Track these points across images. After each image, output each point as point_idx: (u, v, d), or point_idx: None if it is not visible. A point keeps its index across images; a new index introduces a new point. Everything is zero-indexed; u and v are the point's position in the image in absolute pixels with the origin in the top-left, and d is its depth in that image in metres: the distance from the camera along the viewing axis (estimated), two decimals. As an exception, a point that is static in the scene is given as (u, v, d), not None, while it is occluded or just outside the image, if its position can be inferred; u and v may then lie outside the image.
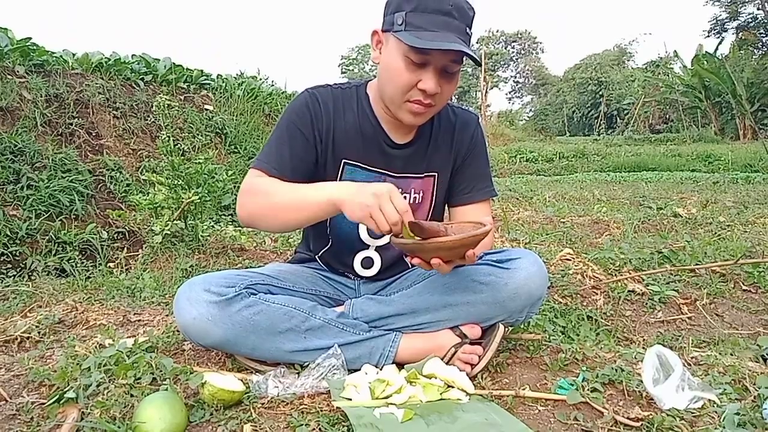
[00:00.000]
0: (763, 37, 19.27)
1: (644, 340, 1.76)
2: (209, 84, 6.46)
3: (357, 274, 1.45)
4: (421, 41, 1.15)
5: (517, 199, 5.29)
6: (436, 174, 1.42)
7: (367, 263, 1.44)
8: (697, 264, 2.18)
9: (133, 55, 5.79)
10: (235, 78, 7.39)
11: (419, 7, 1.18)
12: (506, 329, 1.36)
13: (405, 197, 1.39)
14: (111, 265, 2.80)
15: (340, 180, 1.37)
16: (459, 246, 1.08)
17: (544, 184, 7.05)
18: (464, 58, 1.23)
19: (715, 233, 3.08)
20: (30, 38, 4.36)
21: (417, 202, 1.42)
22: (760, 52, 19.26)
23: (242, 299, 1.22)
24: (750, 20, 19.41)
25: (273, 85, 8.69)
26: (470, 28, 1.24)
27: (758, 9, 18.39)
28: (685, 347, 1.57)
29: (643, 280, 2.08)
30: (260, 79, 8.24)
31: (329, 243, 1.45)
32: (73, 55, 4.71)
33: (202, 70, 6.56)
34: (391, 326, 1.33)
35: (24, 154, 3.35)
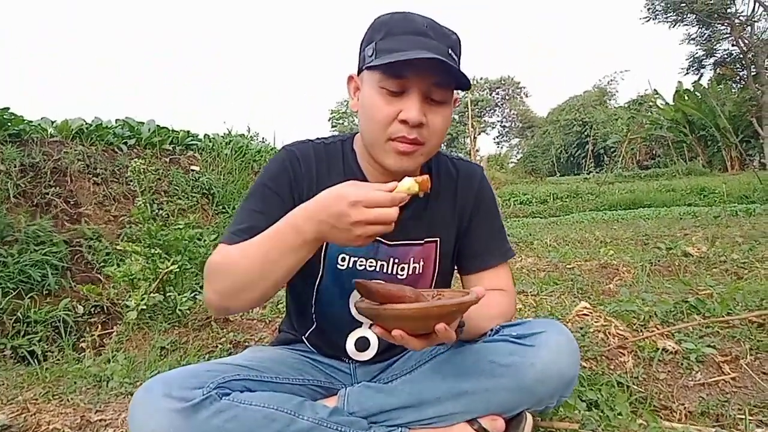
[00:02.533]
0: (740, 71, 19.73)
1: (685, 407, 1.53)
2: (196, 144, 6.36)
3: (351, 357, 1.23)
4: (390, 56, 1.00)
5: (518, 244, 5.10)
6: (438, 239, 1.22)
7: (362, 344, 1.22)
8: (729, 313, 1.97)
9: (117, 120, 5.70)
10: (222, 137, 7.31)
11: (390, 32, 1.05)
12: (535, 419, 1.13)
13: (403, 268, 1.19)
14: (83, 345, 2.55)
15: (324, 255, 1.16)
16: (423, 317, 0.88)
17: (542, 227, 6.88)
18: (451, 85, 1.07)
19: (735, 273, 2.88)
20: (7, 108, 4.24)
21: (417, 272, 1.21)
22: (739, 85, 19.68)
23: (212, 403, 0.98)
24: (726, 56, 19.93)
25: (264, 142, 8.64)
26: (454, 52, 1.08)
27: (733, 45, 18.89)
28: (735, 415, 1.35)
29: (673, 335, 1.86)
30: (249, 137, 8.18)
31: (314, 324, 1.24)
32: (53, 122, 4.59)
33: (188, 131, 6.48)
34: (395, 421, 1.11)
35: (-7, 228, 3.15)
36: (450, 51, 1.05)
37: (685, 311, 2.04)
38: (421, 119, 1.04)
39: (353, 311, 1.19)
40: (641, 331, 1.92)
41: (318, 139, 1.24)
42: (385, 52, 1.02)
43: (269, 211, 1.08)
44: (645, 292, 2.40)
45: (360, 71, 1.12)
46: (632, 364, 1.73)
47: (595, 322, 1.98)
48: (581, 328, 1.95)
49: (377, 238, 1.16)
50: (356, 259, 1.17)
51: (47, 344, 2.77)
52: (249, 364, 1.14)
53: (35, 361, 2.20)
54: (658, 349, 1.78)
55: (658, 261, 3.44)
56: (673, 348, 1.78)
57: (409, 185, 0.92)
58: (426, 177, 0.95)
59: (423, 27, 1.04)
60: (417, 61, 0.99)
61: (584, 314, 2.09)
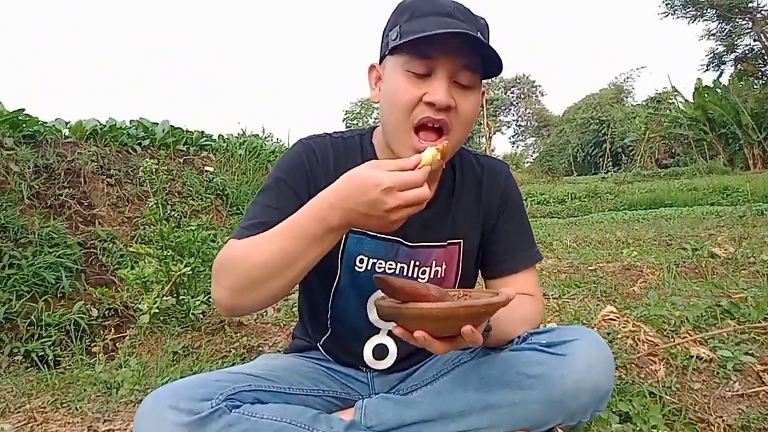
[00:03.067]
0: (762, 67, 19.30)
1: (723, 420, 1.44)
2: (210, 145, 6.34)
3: (368, 366, 1.16)
4: (416, 34, 0.94)
5: (537, 245, 4.99)
6: (461, 241, 1.14)
7: (381, 352, 1.15)
8: (766, 318, 1.86)
9: (131, 121, 5.70)
10: (236, 137, 7.29)
11: (414, 13, 0.99)
12: (567, 435, 1.05)
13: (424, 271, 1.12)
14: (96, 349, 2.51)
15: (342, 252, 1.10)
16: (448, 317, 0.80)
17: (560, 227, 6.75)
18: (480, 69, 1.00)
19: (766, 276, 2.76)
20: (23, 109, 4.24)
21: (439, 276, 1.14)
22: (761, 81, 19.25)
23: (221, 416, 0.92)
24: (747, 51, 19.50)
25: (278, 142, 8.61)
26: (483, 36, 1.01)
27: (755, 40, 18.49)
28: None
29: (707, 342, 1.76)
30: (263, 138, 8.16)
31: (329, 330, 1.17)
32: (66, 123, 4.59)
33: (202, 132, 6.46)
34: (416, 437, 1.03)
35: (7, 230, 3.13)
36: (478, 34, 0.98)
37: (718, 316, 1.94)
38: (449, 101, 0.97)
39: (371, 317, 1.13)
40: (672, 337, 1.83)
41: (336, 133, 1.17)
42: (410, 34, 0.96)
43: (283, 207, 1.00)
44: (674, 295, 2.29)
45: (382, 59, 1.06)
46: (664, 372, 1.64)
47: (623, 327, 1.89)
48: (608, 334, 1.86)
49: (396, 239, 1.10)
50: (375, 260, 1.11)
51: (61, 348, 2.74)
52: (261, 374, 1.07)
53: (45, 366, 2.17)
54: (691, 356, 1.68)
55: (684, 262, 3.32)
56: (708, 355, 1.68)
57: (432, 155, 0.87)
58: (447, 142, 0.92)
59: (450, 8, 0.98)
60: (445, 40, 0.94)
61: (611, 319, 1.99)
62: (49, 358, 2.44)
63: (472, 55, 0.97)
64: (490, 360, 1.05)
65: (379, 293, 1.09)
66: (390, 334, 1.15)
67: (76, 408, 1.57)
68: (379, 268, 1.11)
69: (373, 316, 1.13)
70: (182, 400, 0.92)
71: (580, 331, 1.04)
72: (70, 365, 2.15)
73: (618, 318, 1.99)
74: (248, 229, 1.00)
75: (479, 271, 1.21)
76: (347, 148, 1.13)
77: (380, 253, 1.10)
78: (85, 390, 1.75)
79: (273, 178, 1.09)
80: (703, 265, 3.20)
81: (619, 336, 1.82)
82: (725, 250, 3.58)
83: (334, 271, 1.11)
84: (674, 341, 1.77)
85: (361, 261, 1.11)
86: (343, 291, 1.13)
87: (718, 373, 1.62)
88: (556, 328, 1.06)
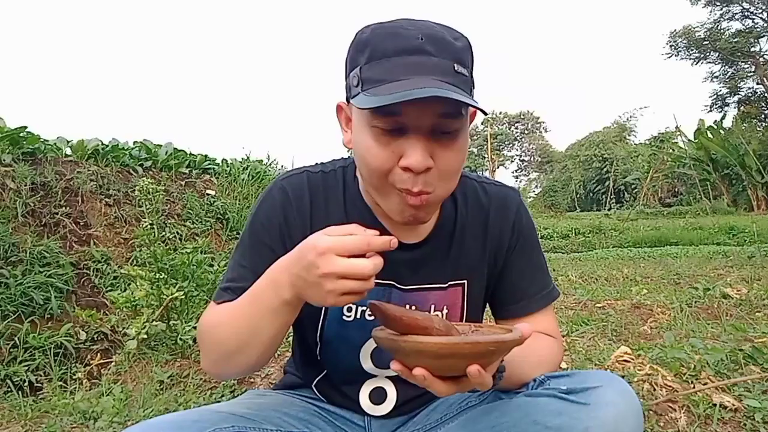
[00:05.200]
0: (765, 110, 19.46)
1: (752, 478, 1.32)
2: (213, 168, 6.31)
3: (364, 411, 1.05)
4: (376, 99, 0.77)
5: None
6: (465, 282, 1.02)
7: (378, 397, 1.04)
8: (793, 365, 1.75)
9: (135, 142, 5.67)
10: (240, 162, 7.26)
11: (375, 54, 0.82)
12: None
13: None
14: (80, 375, 2.39)
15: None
16: (451, 354, 0.68)
17: (565, 262, 6.63)
18: (464, 109, 0.82)
19: (785, 319, 2.64)
20: (25, 127, 4.21)
21: None
22: (764, 124, 19.36)
23: (197, 463, 0.81)
24: (750, 94, 19.69)
25: (283, 168, 8.58)
26: (462, 65, 0.83)
27: (757, 84, 18.67)
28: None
29: (731, 389, 1.64)
30: (267, 164, 8.13)
31: (323, 371, 1.06)
32: (68, 142, 4.55)
33: (206, 155, 6.43)
34: (418, 490, 0.92)
35: (-3, 247, 3.04)
36: (456, 66, 0.82)
37: (740, 361, 1.82)
38: (426, 164, 0.81)
39: (365, 366, 1.01)
40: (692, 382, 1.71)
41: (315, 166, 1.03)
42: (371, 83, 0.80)
43: (256, 265, 0.92)
44: (689, 336, 2.18)
45: (349, 102, 0.90)
46: (685, 421, 1.52)
47: (639, 370, 1.77)
48: (623, 377, 1.73)
49: (391, 282, 0.98)
50: (364, 308, 0.99)
51: (44, 373, 2.61)
52: (246, 413, 0.96)
53: (21, 393, 2.04)
54: (714, 404, 1.56)
55: (695, 302, 3.21)
56: (733, 405, 1.56)
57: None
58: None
59: (417, 41, 0.81)
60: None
61: (625, 361, 1.88)
62: (32, 384, 2.31)
63: (451, 101, 0.78)
64: (503, 406, 0.93)
65: (368, 345, 0.99)
66: (390, 377, 1.04)
67: (48, 440, 1.45)
68: (370, 316, 0.99)
69: (367, 365, 1.01)
70: (156, 441, 0.81)
71: (604, 376, 0.92)
72: (49, 393, 2.03)
73: (632, 360, 1.87)
74: (225, 291, 0.96)
75: (491, 312, 1.10)
76: (327, 185, 1.00)
77: (370, 299, 0.99)
78: (60, 420, 1.63)
79: (247, 230, 1.00)
80: (716, 306, 3.10)
81: (635, 379, 1.71)
82: (738, 290, 3.48)
83: (318, 316, 1.00)
84: (694, 387, 1.65)
85: (349, 309, 0.99)
86: (331, 342, 1.01)
87: (745, 424, 1.49)
88: (576, 372, 0.94)
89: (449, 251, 1.01)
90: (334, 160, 1.06)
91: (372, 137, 0.83)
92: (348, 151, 0.98)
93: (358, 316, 0.99)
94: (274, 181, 1.02)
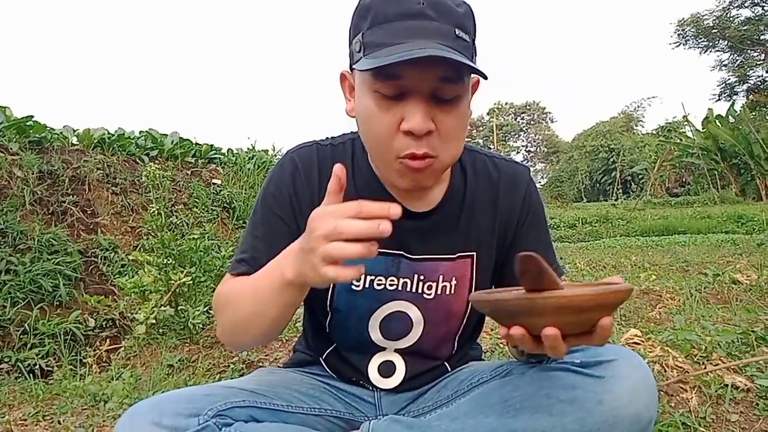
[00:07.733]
0: (775, 98, 19.26)
1: (765, 458, 1.31)
2: (219, 158, 6.31)
3: (374, 384, 1.04)
4: (377, 60, 0.78)
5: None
6: (474, 253, 1.01)
7: (387, 370, 1.03)
8: (805, 347, 1.73)
9: (141, 131, 5.68)
10: (246, 152, 7.26)
11: (377, 18, 0.82)
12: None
13: (430, 287, 1.00)
14: (89, 360, 2.40)
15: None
16: (594, 307, 0.64)
17: (572, 251, 6.60)
18: (465, 76, 0.83)
19: (796, 303, 2.62)
20: (32, 116, 4.22)
21: (448, 292, 1.00)
22: (773, 112, 19.18)
23: (210, 435, 0.81)
24: (759, 83, 19.46)
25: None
26: (464, 30, 0.84)
27: (767, 72, 18.47)
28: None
29: (743, 370, 1.62)
30: (273, 154, 8.13)
31: (333, 344, 1.06)
32: (75, 131, 4.56)
33: (211, 145, 6.44)
34: (429, 465, 0.91)
35: (6, 235, 3.05)
36: (457, 31, 0.83)
37: (752, 343, 1.81)
38: (427, 127, 0.82)
39: (373, 336, 1.01)
40: (703, 363, 1.69)
41: (324, 140, 1.04)
42: (372, 47, 0.81)
43: (269, 236, 0.95)
44: (699, 320, 2.16)
45: (352, 70, 0.91)
46: (696, 401, 1.51)
47: (650, 352, 1.76)
48: (634, 359, 1.73)
49: (397, 252, 0.98)
50: (374, 277, 0.98)
51: (54, 359, 2.63)
52: (257, 389, 0.96)
53: (31, 376, 2.05)
54: (726, 385, 1.55)
55: (705, 288, 3.19)
56: (745, 385, 1.54)
57: None
58: None
59: (418, 5, 0.81)
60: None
61: (635, 342, 1.86)
62: (37, 369, 2.33)
63: (451, 65, 0.79)
64: (516, 380, 0.92)
65: (377, 314, 0.98)
66: (398, 351, 1.03)
67: (59, 421, 1.46)
68: (379, 284, 0.99)
69: (376, 335, 1.01)
70: (165, 415, 0.81)
71: (618, 350, 0.91)
72: (59, 377, 2.04)
73: (643, 342, 1.85)
74: (240, 263, 0.97)
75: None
76: (336, 156, 1.00)
77: (379, 269, 0.98)
78: (71, 402, 1.64)
79: (259, 202, 1.01)
80: (726, 292, 3.08)
81: (646, 361, 1.68)
82: (748, 276, 3.45)
83: (326, 289, 1.00)
84: (705, 368, 1.64)
85: (358, 279, 0.99)
86: (341, 311, 1.01)
87: (757, 404, 1.48)
88: (589, 347, 0.93)
89: (458, 222, 1.01)
90: (344, 133, 1.06)
91: (374, 102, 0.84)
92: (354, 120, 0.97)
93: (367, 285, 0.98)
94: (285, 154, 1.03)
